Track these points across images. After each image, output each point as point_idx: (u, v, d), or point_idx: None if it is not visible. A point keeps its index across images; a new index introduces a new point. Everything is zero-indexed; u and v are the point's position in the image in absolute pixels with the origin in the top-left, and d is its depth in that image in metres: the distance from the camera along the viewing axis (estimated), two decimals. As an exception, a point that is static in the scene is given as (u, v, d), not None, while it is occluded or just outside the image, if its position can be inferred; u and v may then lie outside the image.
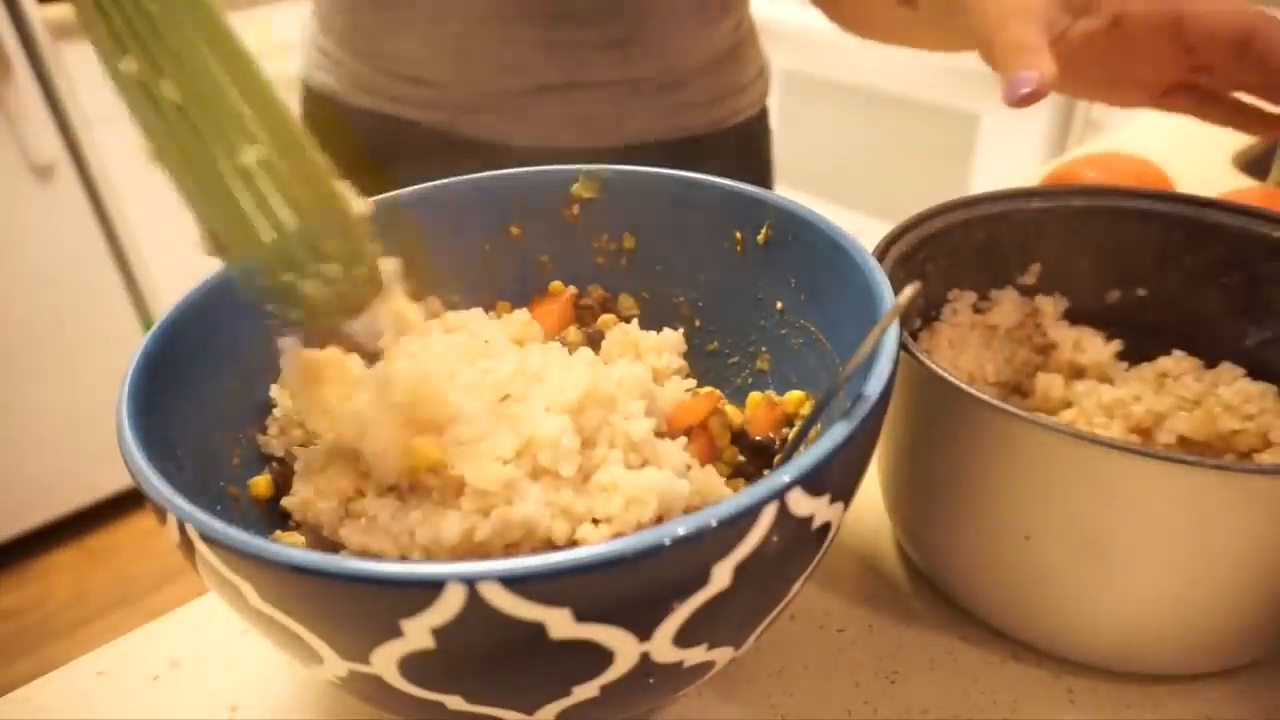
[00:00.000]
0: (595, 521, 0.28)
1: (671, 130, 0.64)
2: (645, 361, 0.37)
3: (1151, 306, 0.42)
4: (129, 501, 1.67)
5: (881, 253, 0.36)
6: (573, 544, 0.28)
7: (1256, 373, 0.38)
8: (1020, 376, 0.42)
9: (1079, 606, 0.32)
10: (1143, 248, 0.41)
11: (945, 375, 0.30)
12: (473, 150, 0.63)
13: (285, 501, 0.31)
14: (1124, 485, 0.28)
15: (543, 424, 0.28)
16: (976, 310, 0.42)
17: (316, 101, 0.67)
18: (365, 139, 0.64)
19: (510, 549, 0.28)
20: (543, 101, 0.61)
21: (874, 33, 0.62)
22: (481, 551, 0.27)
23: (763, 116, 0.73)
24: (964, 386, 0.30)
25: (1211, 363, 0.39)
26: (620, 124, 0.63)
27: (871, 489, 0.40)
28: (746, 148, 0.72)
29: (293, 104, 0.70)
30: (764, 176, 0.76)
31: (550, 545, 0.27)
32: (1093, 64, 0.42)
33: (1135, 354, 0.41)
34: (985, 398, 0.29)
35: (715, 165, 0.41)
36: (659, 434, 0.32)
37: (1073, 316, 0.43)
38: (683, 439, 0.33)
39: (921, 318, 0.41)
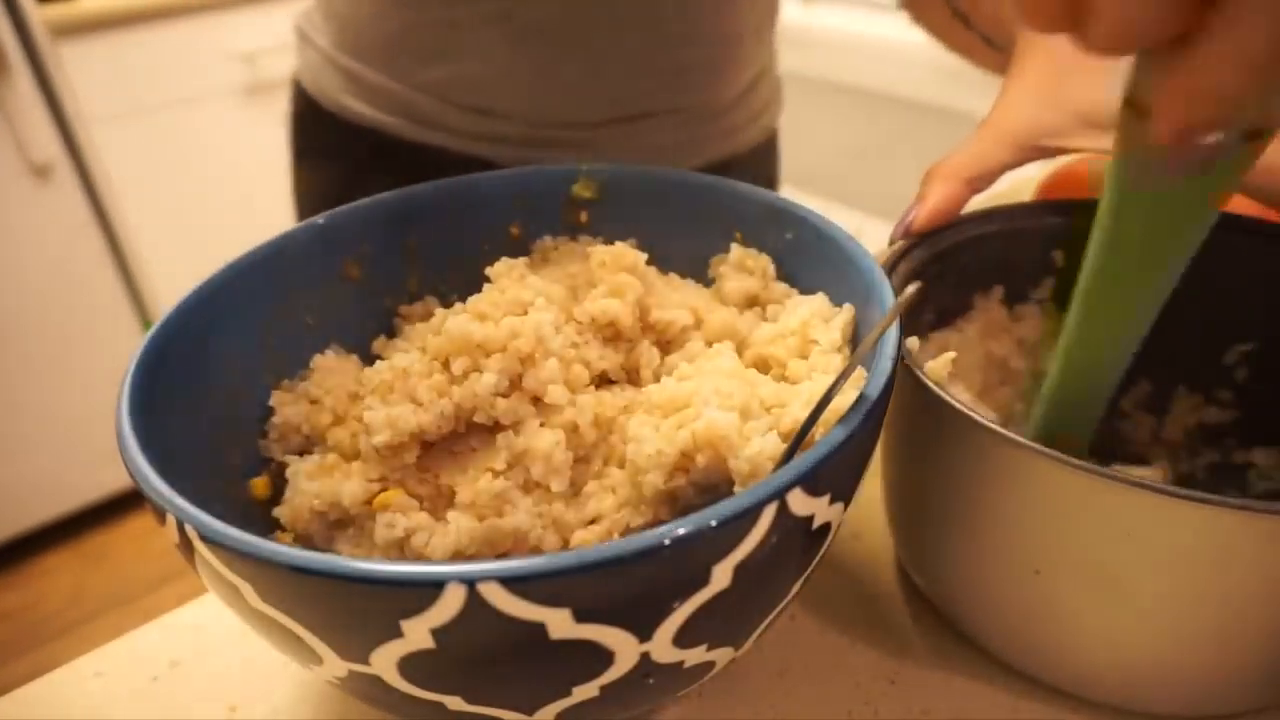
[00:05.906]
0: (591, 523, 0.28)
1: (715, 154, 0.63)
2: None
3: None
4: (127, 502, 1.67)
5: (891, 267, 0.35)
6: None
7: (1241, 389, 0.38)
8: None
9: (1089, 645, 0.31)
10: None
11: (957, 405, 0.29)
12: None
13: (277, 511, 0.31)
14: (1143, 523, 0.26)
15: (536, 437, 0.28)
16: None
17: (356, 133, 0.60)
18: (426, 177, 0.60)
19: (501, 558, 0.27)
20: (614, 133, 0.58)
21: (939, 37, 0.58)
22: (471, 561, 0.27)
23: (776, 132, 0.72)
24: (978, 418, 0.28)
25: (1201, 380, 0.39)
26: (680, 153, 0.61)
27: (871, 489, 0.40)
28: (763, 164, 0.71)
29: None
30: (773, 188, 0.76)
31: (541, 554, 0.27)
32: None
33: (1138, 357, 0.41)
34: (999, 429, 0.27)
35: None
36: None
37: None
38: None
39: (931, 331, 0.40)
